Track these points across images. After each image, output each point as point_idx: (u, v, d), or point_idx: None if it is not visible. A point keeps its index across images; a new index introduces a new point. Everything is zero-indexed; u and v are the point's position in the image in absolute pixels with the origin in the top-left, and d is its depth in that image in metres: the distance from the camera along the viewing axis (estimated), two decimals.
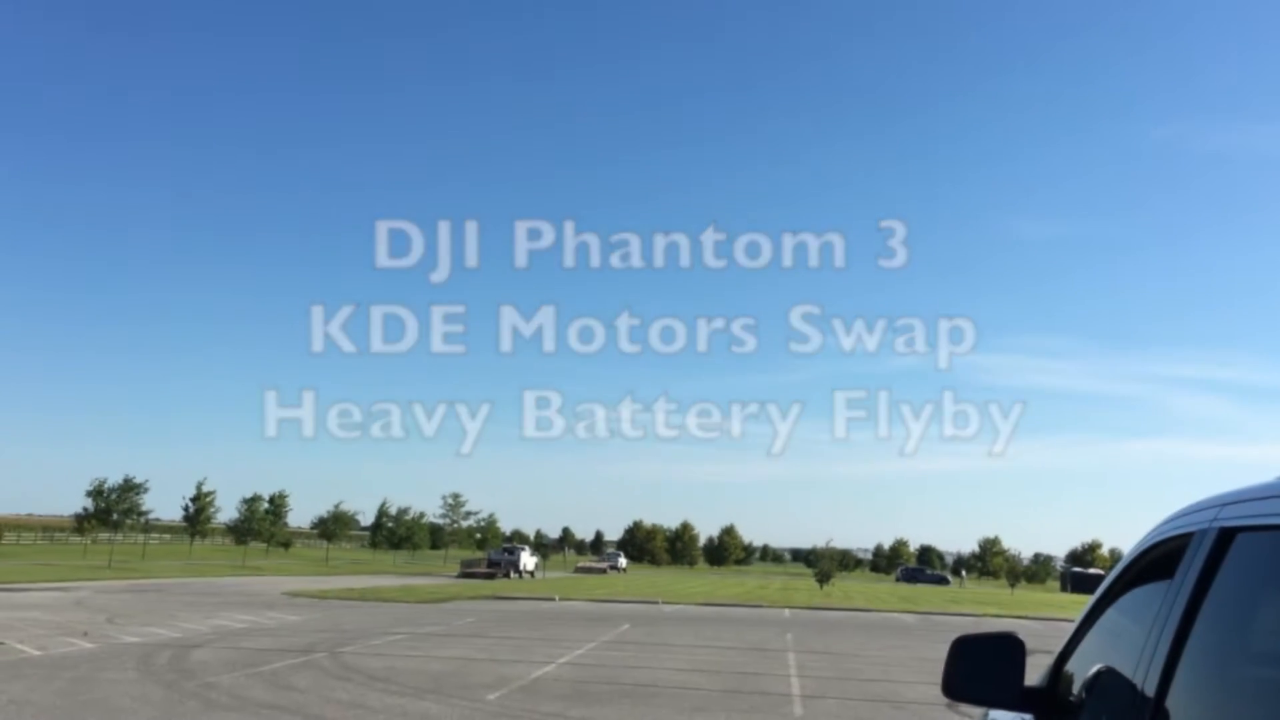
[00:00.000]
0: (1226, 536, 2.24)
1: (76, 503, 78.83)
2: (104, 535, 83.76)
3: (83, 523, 77.40)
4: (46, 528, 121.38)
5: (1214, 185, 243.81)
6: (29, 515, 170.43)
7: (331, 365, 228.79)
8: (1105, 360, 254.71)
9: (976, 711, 3.80)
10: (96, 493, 76.04)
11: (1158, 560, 2.70)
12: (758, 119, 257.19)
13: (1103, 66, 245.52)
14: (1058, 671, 3.28)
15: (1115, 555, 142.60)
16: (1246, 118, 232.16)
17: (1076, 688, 3.08)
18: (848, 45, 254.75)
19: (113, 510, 75.86)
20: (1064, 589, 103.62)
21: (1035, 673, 3.39)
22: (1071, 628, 3.34)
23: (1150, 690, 2.28)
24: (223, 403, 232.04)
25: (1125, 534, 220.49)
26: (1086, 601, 3.32)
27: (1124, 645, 2.69)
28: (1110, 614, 3.04)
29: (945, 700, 3.34)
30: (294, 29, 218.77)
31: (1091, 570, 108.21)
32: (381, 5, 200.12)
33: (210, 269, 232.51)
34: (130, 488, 76.47)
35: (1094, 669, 2.93)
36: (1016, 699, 3.07)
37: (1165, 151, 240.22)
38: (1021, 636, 3.14)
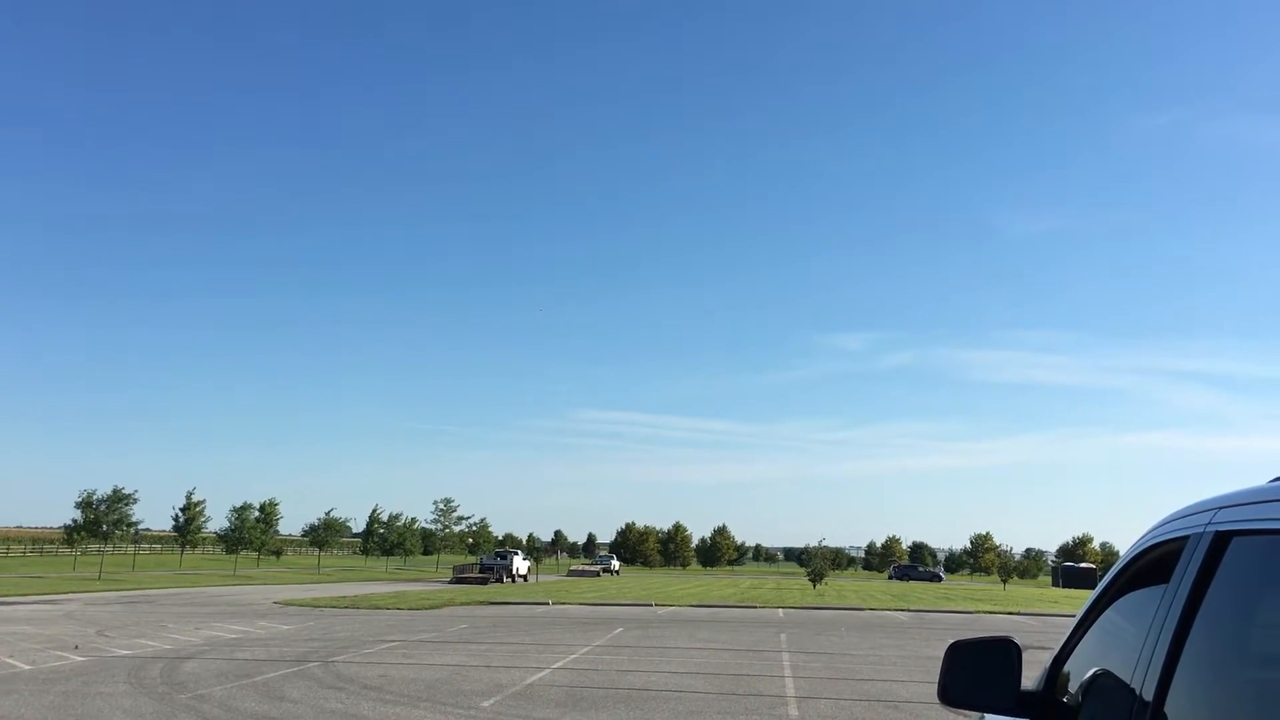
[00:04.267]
0: (1222, 540, 2.23)
1: (66, 514, 78.58)
2: (94, 546, 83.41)
3: (72, 534, 77.07)
4: (36, 540, 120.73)
5: (1205, 175, 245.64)
6: (18, 527, 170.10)
7: (326, 373, 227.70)
8: (1097, 354, 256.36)
9: (974, 716, 3.79)
10: (86, 504, 75.67)
11: (1154, 563, 2.69)
12: (745, 114, 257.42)
13: (1089, 61, 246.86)
14: (1055, 674, 3.26)
15: (1106, 549, 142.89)
16: (1236, 107, 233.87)
17: (1073, 690, 3.06)
18: (832, 41, 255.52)
19: (102, 521, 75.49)
20: (1056, 584, 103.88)
21: (1033, 669, 3.37)
22: (1067, 629, 3.32)
23: (1148, 694, 2.26)
24: (212, 413, 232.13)
25: (1116, 528, 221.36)
26: (1083, 603, 3.30)
27: (1121, 648, 2.67)
28: (1107, 617, 3.02)
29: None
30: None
31: (1083, 565, 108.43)
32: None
33: (197, 280, 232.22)
34: (119, 498, 76.11)
35: (1091, 672, 2.91)
36: (1013, 704, 3.05)
37: (1153, 142, 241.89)
38: (1017, 639, 3.12)
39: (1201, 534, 2.34)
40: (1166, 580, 2.45)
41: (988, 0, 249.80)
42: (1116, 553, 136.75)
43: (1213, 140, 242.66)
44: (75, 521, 76.13)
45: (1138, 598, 2.76)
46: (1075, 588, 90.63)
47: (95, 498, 75.97)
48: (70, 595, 43.36)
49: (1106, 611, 3.04)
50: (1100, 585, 3.13)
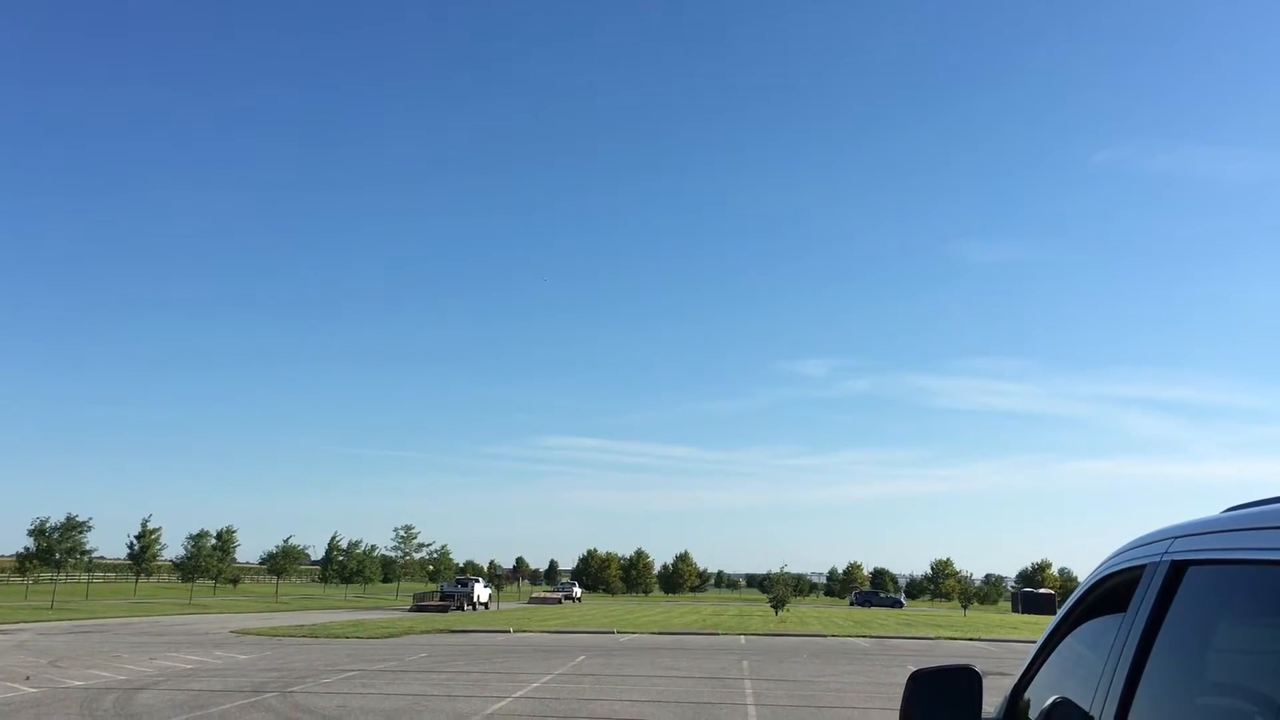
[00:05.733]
0: (1178, 570, 2.27)
1: (18, 542, 77.05)
2: (46, 575, 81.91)
3: (24, 563, 75.66)
4: None
5: (1154, 206, 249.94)
6: None
7: (283, 398, 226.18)
8: (1054, 381, 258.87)
9: None
10: (38, 532, 74.32)
11: (1111, 591, 2.72)
12: (717, 155, 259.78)
13: (1045, 97, 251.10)
14: (1015, 702, 3.28)
15: (1065, 575, 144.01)
16: (1185, 140, 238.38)
17: (1034, 718, 3.08)
18: (801, 81, 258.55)
19: (55, 549, 74.14)
20: (1015, 609, 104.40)
21: (993, 695, 3.39)
22: (1027, 655, 3.35)
23: None
24: (167, 438, 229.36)
25: (1075, 553, 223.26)
26: (1042, 631, 3.33)
27: (1081, 676, 2.70)
28: (1066, 644, 3.05)
29: None
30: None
31: (1042, 590, 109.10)
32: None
33: (151, 300, 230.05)
34: (73, 526, 74.81)
35: (1050, 700, 2.94)
36: None
37: (1107, 175, 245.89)
38: (977, 665, 3.14)
39: (1158, 563, 2.38)
40: (1124, 608, 2.48)
41: (950, 40, 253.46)
42: (1075, 578, 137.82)
43: (1163, 172, 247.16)
44: (27, 549, 74.80)
45: (1096, 626, 2.79)
46: (1034, 613, 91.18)
47: (48, 525, 74.68)
48: (22, 625, 42.54)
49: (1066, 639, 3.07)
50: (1059, 613, 3.16)
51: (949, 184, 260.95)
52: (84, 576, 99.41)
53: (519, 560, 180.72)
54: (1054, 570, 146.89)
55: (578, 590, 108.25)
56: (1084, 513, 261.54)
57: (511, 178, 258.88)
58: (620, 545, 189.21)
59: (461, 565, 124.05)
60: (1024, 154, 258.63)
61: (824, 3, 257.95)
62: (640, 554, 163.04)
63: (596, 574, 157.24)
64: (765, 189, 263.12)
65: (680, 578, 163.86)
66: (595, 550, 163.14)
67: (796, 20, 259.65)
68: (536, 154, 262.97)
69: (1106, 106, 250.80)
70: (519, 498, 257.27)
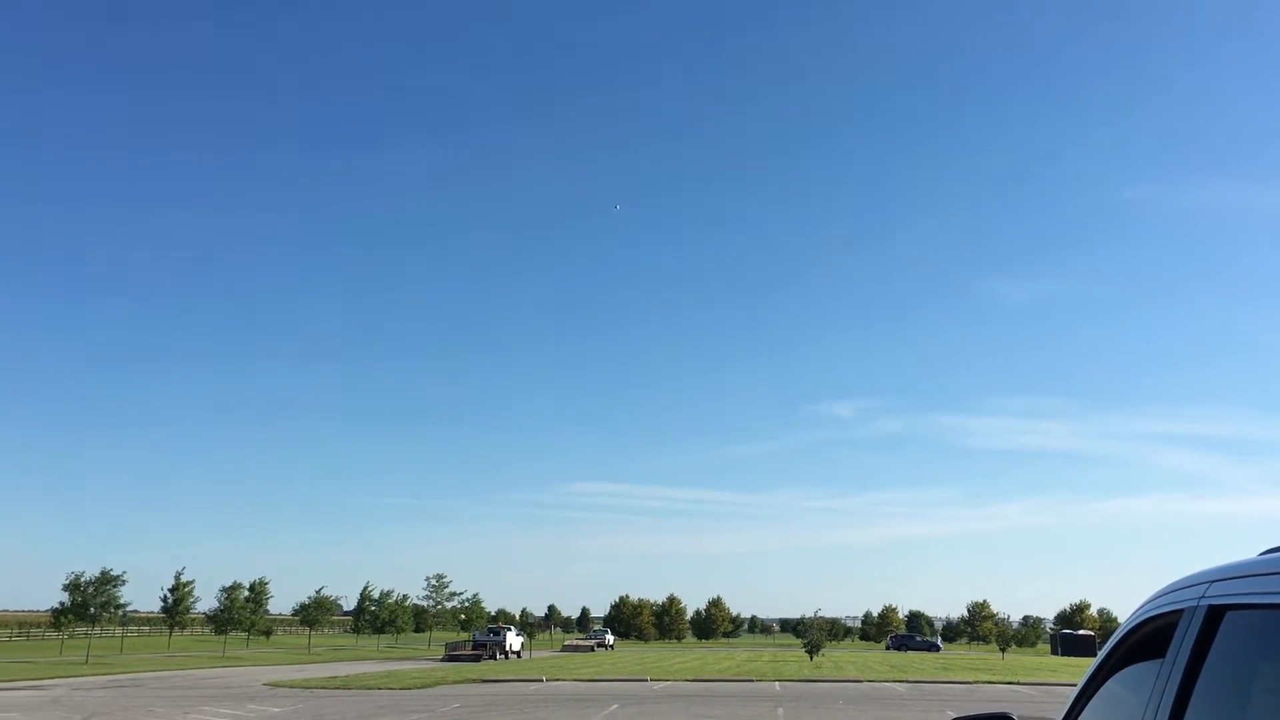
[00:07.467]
0: (1215, 614, 2.25)
1: (53, 597, 77.47)
2: (81, 629, 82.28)
3: (60, 617, 76.08)
4: (22, 624, 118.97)
5: (1188, 242, 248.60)
6: (4, 611, 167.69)
7: (318, 455, 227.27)
8: (1090, 419, 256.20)
9: None
10: (74, 586, 74.78)
11: (1149, 636, 2.70)
12: (741, 201, 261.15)
13: (1074, 134, 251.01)
14: None
15: (1105, 615, 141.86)
16: (1217, 175, 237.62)
17: None
18: (833, 125, 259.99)
19: (90, 604, 74.49)
20: (1054, 652, 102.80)
21: None
22: (1068, 701, 3.31)
23: None
24: (201, 491, 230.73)
25: (1114, 594, 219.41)
26: (1082, 675, 3.30)
27: None
28: (1106, 689, 3.02)
29: None
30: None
31: (1081, 631, 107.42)
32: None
33: (177, 357, 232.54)
34: (107, 580, 75.19)
35: None
36: None
37: (1138, 212, 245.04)
38: (1017, 711, 3.12)
39: (1195, 607, 2.36)
40: (1163, 654, 2.46)
41: (980, 78, 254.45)
42: (1114, 619, 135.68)
43: (1196, 207, 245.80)
44: (63, 604, 75.21)
45: (1136, 671, 2.77)
46: (1074, 655, 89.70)
47: (83, 580, 75.15)
48: (57, 680, 42.69)
49: (1105, 684, 3.04)
50: (1098, 658, 3.14)
51: (979, 221, 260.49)
52: (118, 630, 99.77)
53: (551, 608, 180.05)
54: (1093, 611, 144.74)
55: (610, 637, 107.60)
56: (1123, 552, 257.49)
57: (535, 223, 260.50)
58: (652, 591, 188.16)
59: (494, 614, 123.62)
60: (1055, 191, 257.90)
61: (850, 46, 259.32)
62: (672, 600, 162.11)
63: (629, 621, 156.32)
64: (792, 231, 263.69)
65: (713, 623, 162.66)
66: (627, 596, 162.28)
67: (822, 66, 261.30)
68: (558, 203, 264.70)
69: (1138, 142, 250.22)
70: (549, 545, 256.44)
